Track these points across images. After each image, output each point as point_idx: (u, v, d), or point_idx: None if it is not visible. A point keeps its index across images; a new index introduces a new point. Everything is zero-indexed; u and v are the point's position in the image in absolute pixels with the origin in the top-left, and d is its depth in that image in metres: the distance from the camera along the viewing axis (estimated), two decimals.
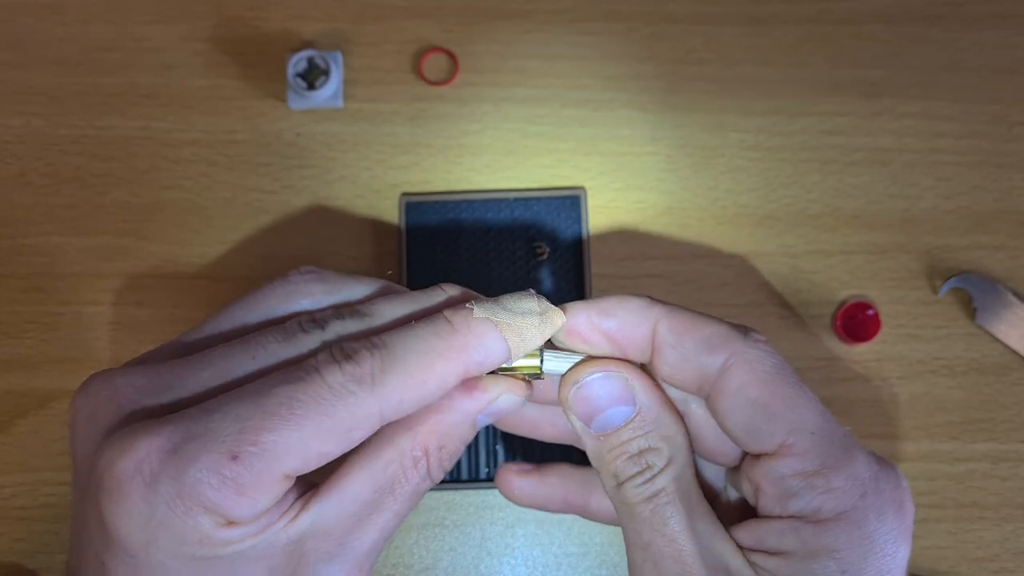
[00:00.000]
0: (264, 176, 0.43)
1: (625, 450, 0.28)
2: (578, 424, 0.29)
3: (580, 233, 0.42)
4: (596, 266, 0.42)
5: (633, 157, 0.43)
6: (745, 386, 0.27)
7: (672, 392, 0.29)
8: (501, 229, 0.42)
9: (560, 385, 0.29)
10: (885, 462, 0.28)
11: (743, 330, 0.28)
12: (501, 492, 0.33)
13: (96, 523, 0.26)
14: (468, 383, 0.28)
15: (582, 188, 0.42)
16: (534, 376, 0.29)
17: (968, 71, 0.44)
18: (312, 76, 0.41)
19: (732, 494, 0.31)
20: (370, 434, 0.26)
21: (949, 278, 0.42)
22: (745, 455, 0.28)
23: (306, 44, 0.43)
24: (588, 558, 0.41)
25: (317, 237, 0.42)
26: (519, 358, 0.28)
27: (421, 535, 0.41)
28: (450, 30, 0.44)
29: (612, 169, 0.43)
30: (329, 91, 0.41)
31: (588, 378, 0.28)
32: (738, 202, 0.43)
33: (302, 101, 0.42)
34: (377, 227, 0.42)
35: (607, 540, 0.41)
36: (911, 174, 0.43)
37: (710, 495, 0.31)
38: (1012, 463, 0.41)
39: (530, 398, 0.29)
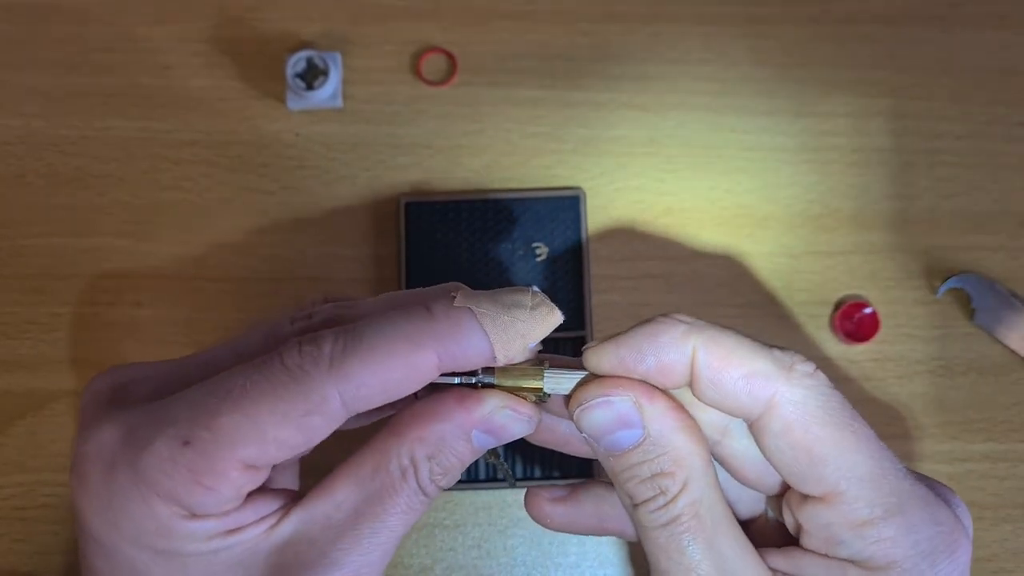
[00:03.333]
0: (263, 177, 0.43)
1: (635, 473, 0.26)
2: (591, 442, 0.27)
3: (579, 233, 0.42)
4: (595, 266, 0.42)
5: (632, 157, 0.43)
6: (788, 429, 0.25)
7: (709, 417, 0.28)
8: (500, 230, 0.42)
9: (567, 405, 0.27)
10: (941, 499, 0.26)
11: (788, 363, 0.26)
12: (532, 517, 0.31)
13: (76, 510, 0.26)
14: (464, 394, 0.26)
15: (581, 188, 0.42)
16: (540, 397, 0.27)
17: (967, 71, 0.44)
18: (311, 76, 0.41)
19: (771, 516, 0.30)
20: (333, 425, 0.25)
21: (948, 278, 0.42)
22: (788, 487, 0.27)
23: (305, 45, 0.43)
24: (587, 559, 0.41)
25: (316, 238, 0.42)
26: (507, 356, 0.26)
27: (419, 535, 0.41)
28: (449, 30, 0.44)
29: (611, 169, 0.43)
30: (328, 92, 0.41)
31: (591, 401, 0.26)
32: (737, 202, 0.43)
33: (301, 102, 0.42)
34: (376, 228, 0.42)
35: (606, 540, 0.41)
36: (910, 174, 0.43)
37: (746, 517, 0.30)
38: (1010, 463, 0.41)
39: (539, 422, 0.27)
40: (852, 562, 0.25)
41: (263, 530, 0.26)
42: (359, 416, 0.28)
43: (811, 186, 0.43)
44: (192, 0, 0.44)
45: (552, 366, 0.27)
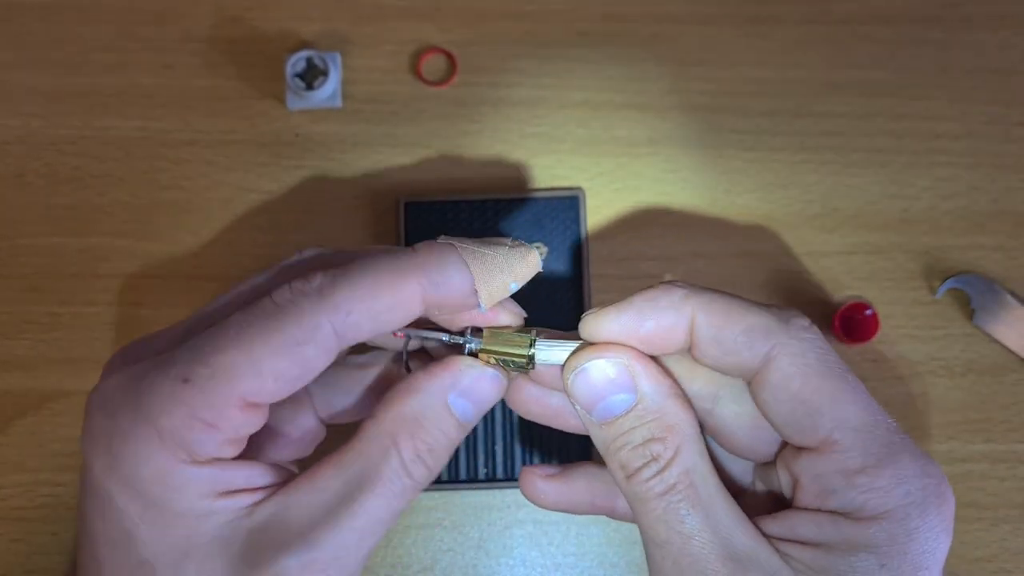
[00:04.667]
0: (263, 176, 0.43)
1: (628, 440, 0.27)
2: (583, 413, 0.27)
3: (579, 233, 0.42)
4: (595, 266, 0.42)
5: (632, 157, 0.43)
6: (787, 380, 0.26)
7: (699, 387, 0.28)
8: (500, 230, 0.42)
9: (562, 374, 0.28)
10: (926, 455, 0.27)
11: (786, 317, 0.26)
12: (525, 495, 0.31)
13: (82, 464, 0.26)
14: (433, 366, 0.27)
15: (580, 188, 0.42)
16: (520, 366, 0.28)
17: (966, 72, 0.44)
18: (311, 76, 0.41)
19: (760, 488, 0.30)
20: (326, 356, 0.26)
21: (947, 278, 0.42)
22: (784, 446, 0.27)
23: (304, 44, 0.43)
24: (586, 559, 0.41)
25: (316, 238, 0.42)
26: (488, 292, 0.26)
27: (419, 535, 0.41)
28: (448, 30, 0.44)
29: (611, 169, 0.43)
30: (328, 91, 0.41)
31: (586, 364, 0.27)
32: (736, 202, 0.43)
33: (301, 101, 0.42)
34: (376, 228, 0.42)
35: (604, 540, 0.41)
36: (909, 175, 0.43)
37: (735, 490, 0.30)
38: (1010, 463, 0.41)
39: (507, 382, 0.28)
40: (844, 514, 0.26)
41: (247, 504, 0.26)
42: (358, 405, 0.29)
43: (810, 186, 0.43)
44: (192, 0, 0.44)
45: (543, 337, 0.27)
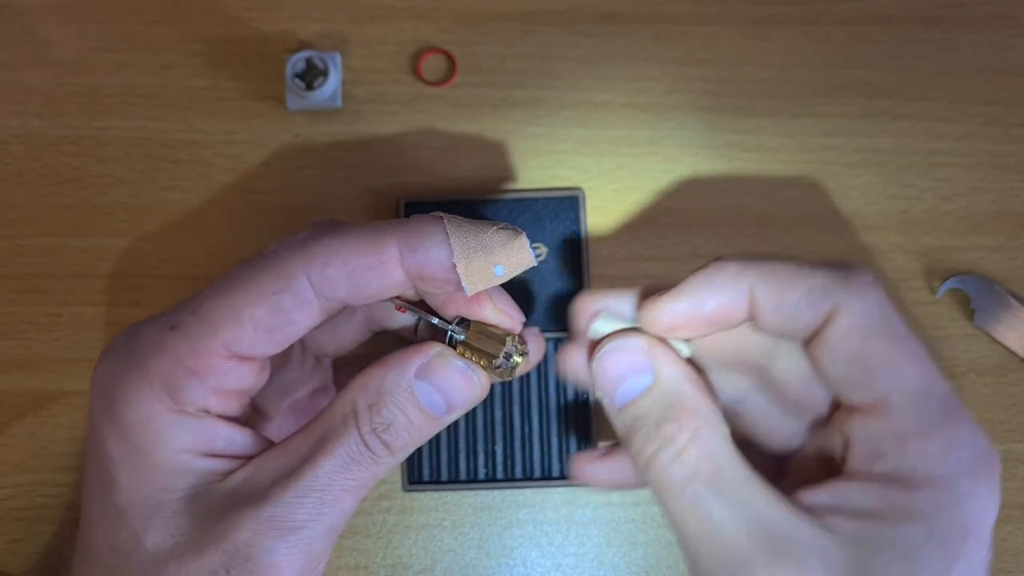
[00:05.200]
0: (262, 177, 0.43)
1: (643, 423, 0.27)
2: (606, 401, 0.28)
3: (579, 234, 0.42)
4: (594, 267, 0.42)
5: (632, 158, 0.43)
6: (846, 339, 0.26)
7: (756, 345, 0.28)
8: None
9: (589, 361, 0.28)
10: (978, 424, 0.26)
11: (845, 275, 0.26)
12: (578, 479, 0.31)
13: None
14: (411, 347, 0.27)
15: (580, 189, 0.42)
16: (494, 366, 0.28)
17: (966, 72, 0.44)
18: (310, 77, 0.41)
19: (811, 451, 0.29)
20: (306, 307, 0.26)
21: (947, 279, 0.42)
22: (838, 407, 0.27)
23: (304, 45, 0.43)
24: (586, 559, 0.41)
25: None
26: (467, 269, 0.26)
27: (419, 536, 0.41)
28: (448, 31, 0.44)
29: (611, 170, 0.43)
30: (327, 92, 0.41)
31: (607, 348, 0.28)
32: (736, 203, 0.43)
33: (300, 102, 0.42)
34: None
35: (604, 541, 0.41)
36: (909, 175, 0.43)
37: (785, 448, 0.30)
38: (1010, 464, 0.41)
39: (481, 384, 0.28)
40: (893, 479, 0.25)
41: (223, 470, 0.26)
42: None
43: (811, 187, 0.43)
44: (192, 0, 0.44)
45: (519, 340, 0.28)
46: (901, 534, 0.24)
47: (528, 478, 0.40)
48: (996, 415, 0.41)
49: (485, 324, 0.28)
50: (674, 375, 0.27)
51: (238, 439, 0.27)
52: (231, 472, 0.26)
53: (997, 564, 0.41)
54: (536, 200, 0.42)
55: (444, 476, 0.40)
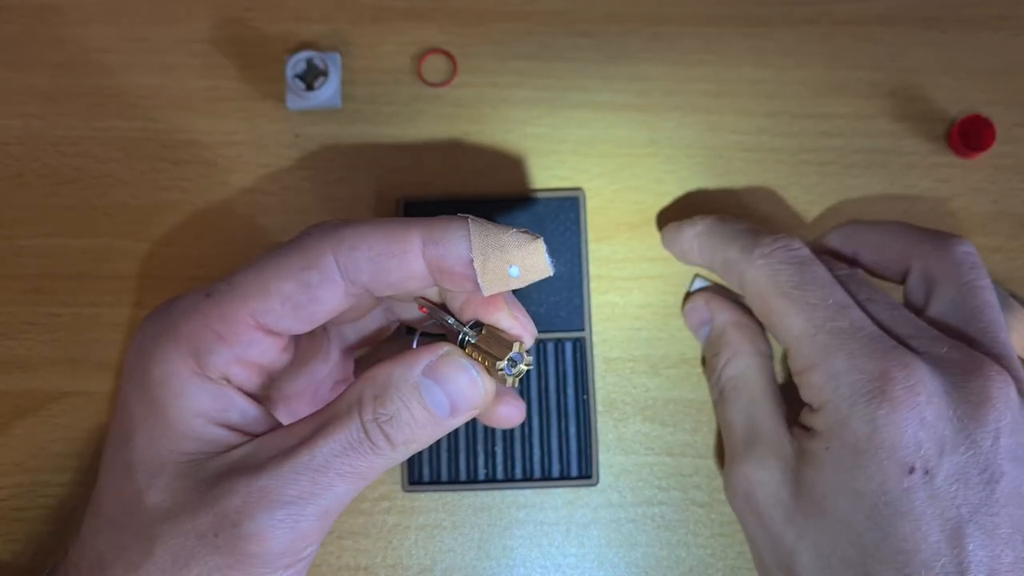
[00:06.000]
0: (262, 177, 0.43)
1: (709, 351, 0.40)
2: (696, 333, 0.41)
3: (579, 234, 0.42)
4: (595, 267, 0.42)
5: (632, 158, 0.43)
6: (753, 303, 0.35)
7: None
8: None
9: (683, 314, 0.42)
10: (874, 355, 0.31)
11: (750, 247, 0.35)
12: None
13: None
14: (424, 345, 0.28)
15: (581, 189, 0.42)
16: (499, 370, 0.28)
17: (966, 72, 0.44)
18: (311, 77, 0.41)
19: None
20: (332, 286, 0.27)
21: None
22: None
23: (305, 45, 0.43)
24: (586, 559, 0.41)
25: None
26: (484, 266, 0.27)
27: (419, 536, 0.41)
28: (449, 31, 0.44)
29: (611, 170, 0.43)
30: (328, 92, 0.41)
31: (687, 307, 0.41)
32: (736, 203, 0.43)
33: (301, 102, 0.42)
34: None
35: (604, 541, 0.41)
36: (909, 175, 0.43)
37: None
38: None
39: (486, 389, 0.28)
40: (811, 406, 0.33)
41: (233, 443, 0.27)
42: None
43: (810, 187, 0.43)
44: (192, 0, 0.44)
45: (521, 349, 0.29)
46: (811, 447, 0.32)
47: (528, 478, 0.40)
48: None
49: (497, 329, 0.29)
50: (722, 320, 0.39)
51: (251, 413, 0.28)
52: (236, 446, 0.27)
53: None
54: (536, 200, 0.42)
55: (444, 476, 0.40)
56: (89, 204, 0.42)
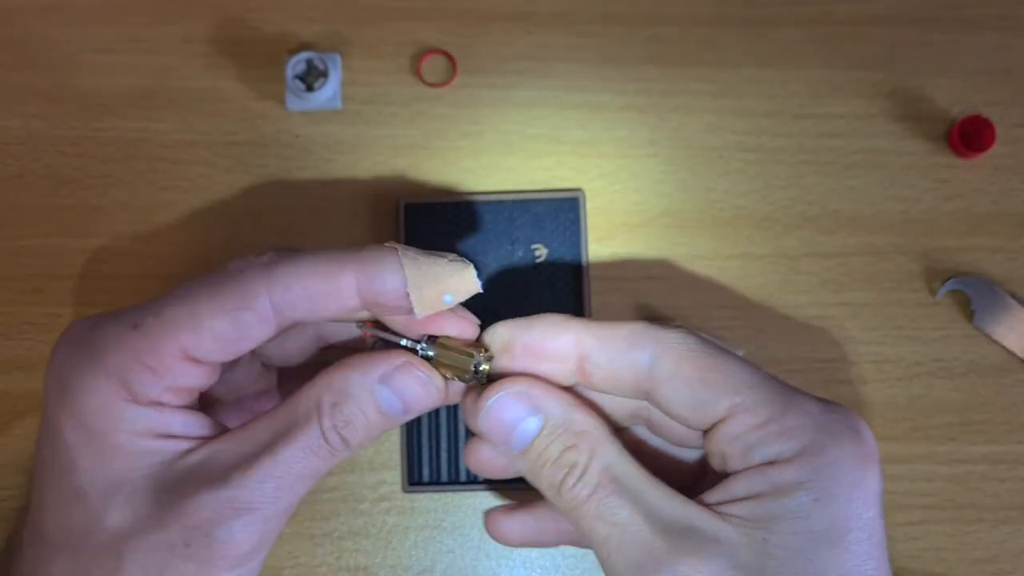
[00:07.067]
0: (262, 178, 0.43)
1: (548, 457, 0.29)
2: (504, 451, 0.29)
3: (579, 235, 0.42)
4: (595, 268, 0.42)
5: (632, 159, 0.43)
6: (678, 367, 0.28)
7: (619, 402, 0.31)
8: (499, 231, 0.42)
9: (471, 419, 0.29)
10: (830, 400, 0.29)
11: (661, 322, 0.29)
12: (493, 538, 0.33)
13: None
14: (380, 352, 0.29)
15: (580, 190, 0.42)
16: (464, 378, 0.29)
17: (966, 72, 0.44)
18: (311, 78, 0.41)
19: (712, 471, 0.31)
20: (264, 323, 0.28)
21: (947, 280, 0.42)
22: (705, 434, 0.29)
23: (304, 46, 0.43)
24: (586, 560, 0.41)
25: (315, 240, 0.42)
26: (420, 297, 0.28)
27: (419, 537, 0.41)
28: (448, 32, 0.44)
29: (611, 171, 0.43)
30: (328, 93, 0.41)
31: (489, 402, 0.29)
32: (736, 204, 0.43)
33: (300, 103, 0.42)
34: (376, 229, 0.42)
35: None
36: (909, 175, 0.43)
37: (692, 475, 0.32)
38: (1010, 465, 0.41)
39: (442, 392, 0.29)
40: (771, 463, 0.27)
41: (181, 449, 0.28)
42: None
43: (810, 188, 0.43)
44: (192, 0, 0.44)
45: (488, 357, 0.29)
46: (790, 504, 0.26)
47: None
48: (996, 416, 0.41)
49: (448, 338, 0.30)
50: (558, 405, 0.29)
51: (192, 421, 0.29)
52: (189, 451, 0.28)
53: (997, 565, 0.41)
54: (536, 201, 0.42)
55: (444, 477, 0.40)
56: (89, 204, 0.42)
